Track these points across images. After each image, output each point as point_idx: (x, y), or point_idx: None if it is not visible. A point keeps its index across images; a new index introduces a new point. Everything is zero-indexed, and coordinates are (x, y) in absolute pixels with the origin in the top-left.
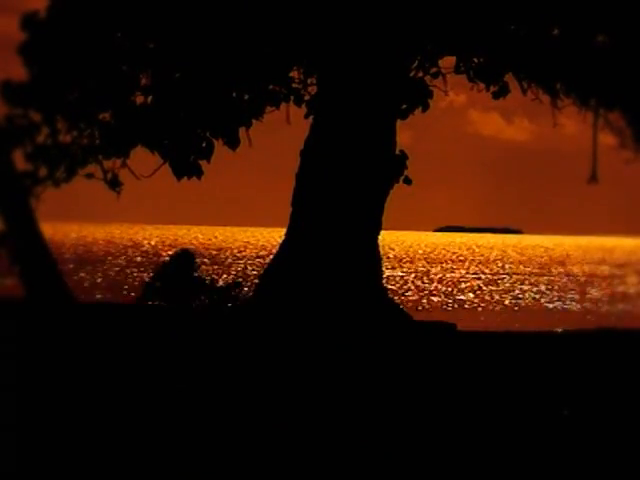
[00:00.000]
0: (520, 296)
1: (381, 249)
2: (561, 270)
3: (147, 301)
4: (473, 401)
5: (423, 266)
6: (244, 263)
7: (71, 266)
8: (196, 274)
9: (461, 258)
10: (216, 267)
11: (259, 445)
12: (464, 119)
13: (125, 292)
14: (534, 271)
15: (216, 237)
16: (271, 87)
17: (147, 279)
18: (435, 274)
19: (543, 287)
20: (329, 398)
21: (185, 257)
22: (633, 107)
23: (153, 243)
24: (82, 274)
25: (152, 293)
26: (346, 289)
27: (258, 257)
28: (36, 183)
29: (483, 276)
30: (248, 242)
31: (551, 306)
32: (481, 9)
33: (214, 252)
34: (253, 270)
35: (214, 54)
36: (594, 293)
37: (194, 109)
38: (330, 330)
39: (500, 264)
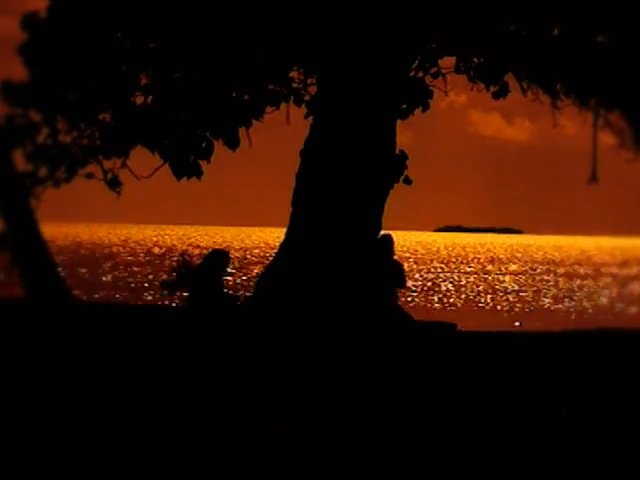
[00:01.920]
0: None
1: None
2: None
3: (167, 288)
4: (473, 401)
5: (424, 266)
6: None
7: (71, 266)
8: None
9: (462, 258)
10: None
11: (259, 445)
12: (464, 119)
13: (125, 292)
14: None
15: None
16: (271, 87)
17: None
18: (436, 274)
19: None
20: (329, 398)
21: (219, 258)
22: (633, 107)
23: (156, 242)
24: (82, 274)
25: (176, 282)
26: (346, 289)
27: (259, 257)
28: (36, 183)
29: (484, 276)
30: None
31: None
32: (481, 9)
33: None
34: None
35: (214, 54)
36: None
37: (194, 109)
38: (330, 330)
39: (501, 263)
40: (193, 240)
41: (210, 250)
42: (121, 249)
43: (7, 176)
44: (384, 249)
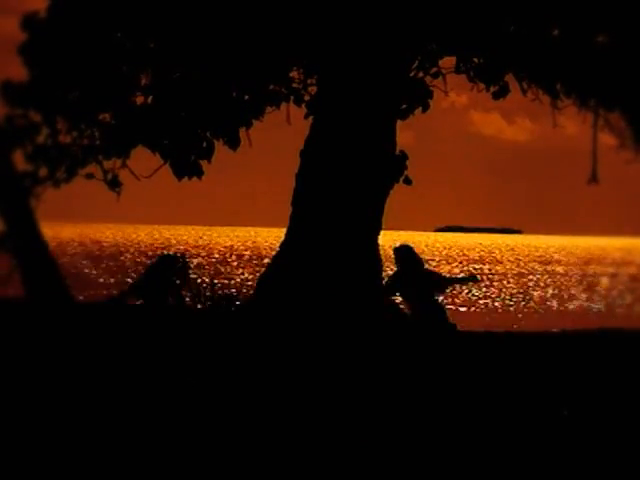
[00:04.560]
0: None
1: (381, 249)
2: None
3: (124, 300)
4: (473, 401)
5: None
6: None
7: (72, 266)
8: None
9: (462, 258)
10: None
11: (259, 445)
12: (465, 119)
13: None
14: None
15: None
16: (271, 87)
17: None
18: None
19: None
20: (329, 398)
21: (168, 261)
22: (633, 107)
23: (150, 242)
24: (82, 274)
25: (132, 293)
26: (346, 289)
27: (257, 258)
28: (36, 183)
29: (484, 276)
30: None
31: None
32: (481, 9)
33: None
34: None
35: (214, 54)
36: None
37: (194, 109)
38: (330, 330)
39: (501, 264)
40: (205, 240)
41: (159, 255)
42: (121, 249)
43: (7, 176)
44: (408, 260)
